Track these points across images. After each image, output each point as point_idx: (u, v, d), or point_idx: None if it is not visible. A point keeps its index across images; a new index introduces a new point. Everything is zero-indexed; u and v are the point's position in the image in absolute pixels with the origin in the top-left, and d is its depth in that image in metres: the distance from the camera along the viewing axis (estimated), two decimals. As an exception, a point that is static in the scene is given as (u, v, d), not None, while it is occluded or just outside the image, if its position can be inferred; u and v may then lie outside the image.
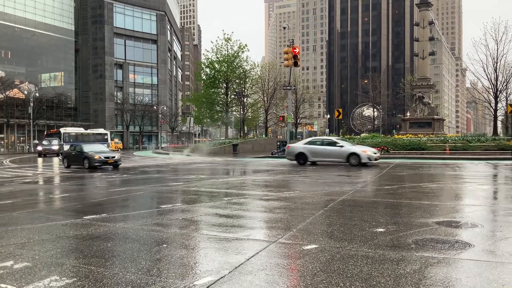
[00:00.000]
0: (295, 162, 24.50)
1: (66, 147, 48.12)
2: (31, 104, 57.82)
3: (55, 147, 45.79)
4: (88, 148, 24.90)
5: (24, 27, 70.63)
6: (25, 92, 63.92)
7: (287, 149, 25.88)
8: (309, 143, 24.67)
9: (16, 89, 66.05)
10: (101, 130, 62.97)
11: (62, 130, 54.20)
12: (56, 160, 36.65)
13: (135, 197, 11.90)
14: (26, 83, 68.38)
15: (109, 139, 61.97)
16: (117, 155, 24.52)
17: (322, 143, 24.22)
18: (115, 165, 23.83)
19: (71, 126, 63.67)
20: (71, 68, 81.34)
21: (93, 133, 59.64)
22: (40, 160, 38.13)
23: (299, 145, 25.00)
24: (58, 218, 8.34)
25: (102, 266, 5.06)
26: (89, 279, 4.59)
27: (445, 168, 20.94)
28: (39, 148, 45.49)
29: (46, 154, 44.83)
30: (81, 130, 59.57)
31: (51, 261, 5.29)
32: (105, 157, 23.30)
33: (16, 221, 8.13)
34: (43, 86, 73.81)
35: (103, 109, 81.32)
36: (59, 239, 6.55)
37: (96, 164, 23.03)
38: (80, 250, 5.84)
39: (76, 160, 24.67)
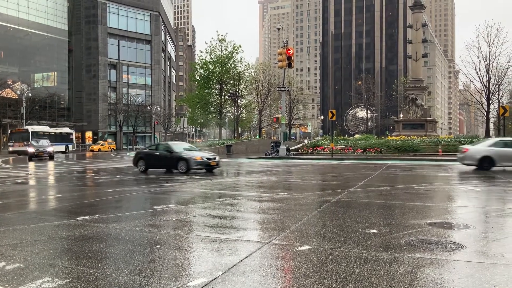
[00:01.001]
0: (473, 167, 20.45)
1: (32, 149, 41.39)
2: (24, 104, 57.31)
3: (50, 149, 37.28)
4: (178, 147, 20.65)
5: (17, 27, 70.13)
6: (18, 92, 63.42)
7: (465, 152, 21.07)
8: (496, 144, 20.34)
9: (8, 89, 65.51)
10: (67, 129, 58.60)
11: (29, 128, 48.92)
12: (52, 164, 31.81)
13: (129, 198, 11.85)
14: (19, 83, 67.84)
15: (73, 139, 58.71)
16: (217, 157, 20.49)
17: None
18: (213, 168, 19.86)
19: (39, 125, 58.36)
20: (64, 68, 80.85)
21: (60, 132, 55.60)
22: (49, 164, 30.22)
23: (482, 148, 20.64)
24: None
25: (94, 267, 5.04)
26: (81, 280, 4.56)
27: (438, 169, 21.06)
28: (31, 149, 36.34)
29: (35, 157, 36.25)
30: (47, 128, 54.95)
31: (43, 262, 5.26)
32: (207, 159, 19.23)
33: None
34: (36, 86, 73.24)
35: (96, 110, 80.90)
36: (51, 239, 6.51)
37: (196, 167, 19.04)
38: (73, 251, 5.81)
39: (162, 162, 20.27)
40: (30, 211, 9.62)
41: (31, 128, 48.93)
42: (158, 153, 20.57)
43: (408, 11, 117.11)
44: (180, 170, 19.15)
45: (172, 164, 19.73)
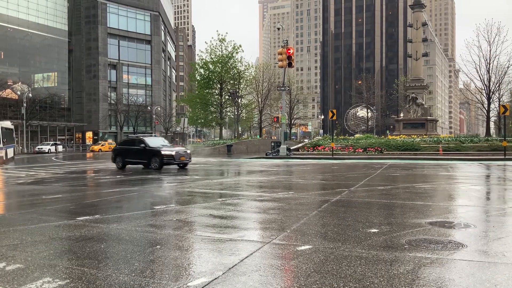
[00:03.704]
0: None
1: (171, 152, 31.48)
2: (24, 104, 57.42)
3: (189, 151, 25.30)
4: None
5: (17, 27, 70.22)
6: (18, 93, 63.51)
7: None
8: None
9: (9, 90, 65.64)
10: (8, 123, 37.99)
11: None
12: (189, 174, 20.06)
13: (128, 198, 11.84)
14: (19, 83, 67.92)
15: (14, 138, 40.32)
16: None
17: None
18: None
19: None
20: (65, 68, 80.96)
21: (6, 128, 34.95)
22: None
23: None
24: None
25: (95, 267, 5.03)
26: (82, 281, 4.55)
27: (438, 168, 21.03)
28: (168, 151, 22.89)
29: (176, 163, 23.12)
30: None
31: (44, 262, 5.25)
32: None
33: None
34: (36, 86, 73.41)
35: (96, 110, 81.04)
36: (52, 240, 6.50)
37: None
38: (74, 251, 5.80)
39: None
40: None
41: None
42: None
43: (408, 10, 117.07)
44: None
45: None
